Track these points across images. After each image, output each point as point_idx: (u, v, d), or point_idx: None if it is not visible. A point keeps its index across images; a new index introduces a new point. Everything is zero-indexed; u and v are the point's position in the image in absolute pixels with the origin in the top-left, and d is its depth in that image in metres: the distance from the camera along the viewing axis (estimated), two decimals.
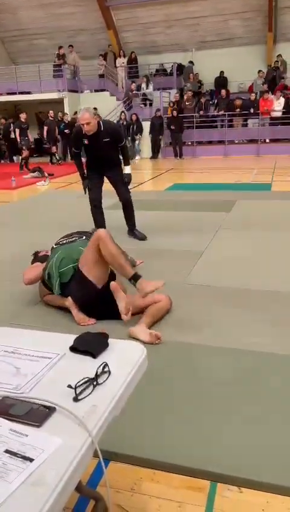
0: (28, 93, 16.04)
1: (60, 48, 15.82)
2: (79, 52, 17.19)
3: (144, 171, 12.20)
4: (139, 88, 15.46)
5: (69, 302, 2.85)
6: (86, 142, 4.34)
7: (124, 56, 16.67)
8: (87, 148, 4.43)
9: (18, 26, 17.39)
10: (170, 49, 16.98)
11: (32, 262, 3.33)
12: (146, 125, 14.51)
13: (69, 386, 0.99)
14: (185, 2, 15.34)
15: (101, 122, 4.36)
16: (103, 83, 16.33)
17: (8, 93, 16.26)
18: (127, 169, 4.64)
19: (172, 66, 16.36)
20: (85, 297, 2.78)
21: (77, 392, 0.98)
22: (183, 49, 16.89)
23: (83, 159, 4.65)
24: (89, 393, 1.00)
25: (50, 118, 13.91)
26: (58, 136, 13.99)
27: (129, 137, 14.74)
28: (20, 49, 18.10)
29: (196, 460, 1.64)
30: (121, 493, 1.56)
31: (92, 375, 1.04)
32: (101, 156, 4.44)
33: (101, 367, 1.06)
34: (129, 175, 4.64)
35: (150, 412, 1.91)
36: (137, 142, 14.70)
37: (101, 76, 16.34)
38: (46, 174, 10.38)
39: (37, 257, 3.36)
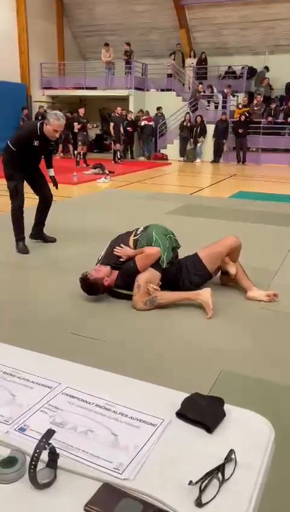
0: (94, 88, 16.13)
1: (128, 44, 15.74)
2: (148, 51, 17.09)
3: (205, 175, 11.89)
4: (205, 92, 15.14)
5: (207, 292, 2.93)
6: (35, 143, 4.07)
7: (194, 56, 16.38)
8: (30, 149, 4.12)
9: (92, 21, 17.54)
10: (241, 51, 16.51)
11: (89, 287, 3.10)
12: (210, 128, 14.16)
13: (190, 483, 0.75)
14: (262, 4, 14.82)
15: None
16: (169, 83, 16.13)
17: (75, 88, 16.42)
18: (52, 172, 4.55)
19: (242, 68, 15.89)
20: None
21: (202, 493, 0.74)
22: (255, 51, 16.36)
23: None
24: (215, 495, 0.75)
25: (116, 114, 13.41)
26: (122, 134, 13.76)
27: (191, 139, 14.46)
28: (91, 45, 18.24)
29: None
30: None
31: (213, 464, 0.80)
32: (37, 158, 4.30)
33: (226, 454, 0.81)
34: (54, 177, 4.58)
35: None
36: (199, 144, 14.39)
37: (169, 75, 16.14)
38: (106, 171, 10.31)
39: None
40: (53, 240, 4.57)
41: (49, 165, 4.53)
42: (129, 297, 3.02)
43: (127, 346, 2.53)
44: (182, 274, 3.15)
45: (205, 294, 2.90)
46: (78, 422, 0.93)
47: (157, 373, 2.25)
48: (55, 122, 3.98)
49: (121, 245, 3.14)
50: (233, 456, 0.82)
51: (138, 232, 3.23)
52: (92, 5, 16.99)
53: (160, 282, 3.02)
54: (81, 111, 12.72)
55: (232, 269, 3.23)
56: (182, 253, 3.39)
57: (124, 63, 15.72)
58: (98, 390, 1.05)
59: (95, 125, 12.89)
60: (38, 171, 4.41)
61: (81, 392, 1.03)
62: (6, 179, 4.20)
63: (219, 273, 3.41)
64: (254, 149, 14.13)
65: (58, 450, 0.83)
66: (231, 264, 3.23)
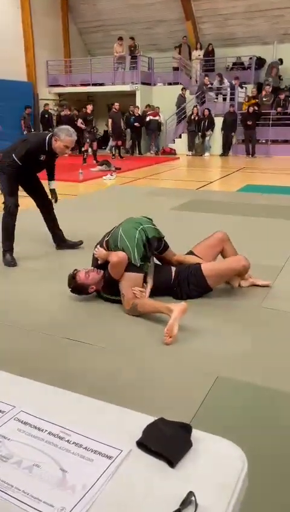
0: (101, 84, 16.00)
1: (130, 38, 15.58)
2: (155, 45, 16.88)
3: (213, 169, 11.69)
4: (212, 84, 14.89)
5: (177, 311, 2.47)
6: (42, 158, 3.83)
7: (201, 48, 16.13)
8: (35, 163, 3.88)
9: (97, 17, 17.36)
10: (248, 41, 16.17)
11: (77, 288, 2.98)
12: (218, 121, 13.93)
13: None
14: None
15: None
16: (176, 76, 15.92)
17: (82, 84, 16.31)
18: (52, 185, 4.19)
19: (250, 59, 15.59)
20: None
21: None
22: (263, 41, 16.01)
23: None
24: None
25: (114, 110, 13.20)
26: (124, 129, 13.59)
27: (200, 133, 14.25)
28: (97, 41, 18.09)
29: None
30: None
31: (171, 507, 0.69)
32: (39, 170, 4.04)
33: (185, 496, 0.70)
34: (55, 190, 4.23)
35: None
36: (208, 138, 14.17)
37: (175, 69, 15.93)
38: (113, 168, 10.19)
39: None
40: (79, 243, 4.27)
41: (51, 177, 4.18)
42: (117, 302, 2.91)
43: (118, 350, 2.43)
44: (180, 286, 2.95)
45: (175, 312, 2.49)
46: (24, 455, 0.83)
47: (149, 378, 2.14)
48: (66, 138, 3.70)
49: (98, 246, 3.01)
50: (193, 499, 0.71)
51: (111, 232, 3.04)
52: (95, 0, 16.83)
53: (144, 283, 2.88)
54: (90, 108, 12.44)
55: (235, 283, 3.09)
56: (183, 251, 3.26)
57: (130, 58, 15.56)
58: (57, 414, 0.95)
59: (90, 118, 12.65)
60: (37, 183, 4.16)
61: (36, 417, 0.93)
62: (7, 195, 3.87)
63: None
64: (263, 141, 13.87)
65: None
66: (235, 277, 3.08)
